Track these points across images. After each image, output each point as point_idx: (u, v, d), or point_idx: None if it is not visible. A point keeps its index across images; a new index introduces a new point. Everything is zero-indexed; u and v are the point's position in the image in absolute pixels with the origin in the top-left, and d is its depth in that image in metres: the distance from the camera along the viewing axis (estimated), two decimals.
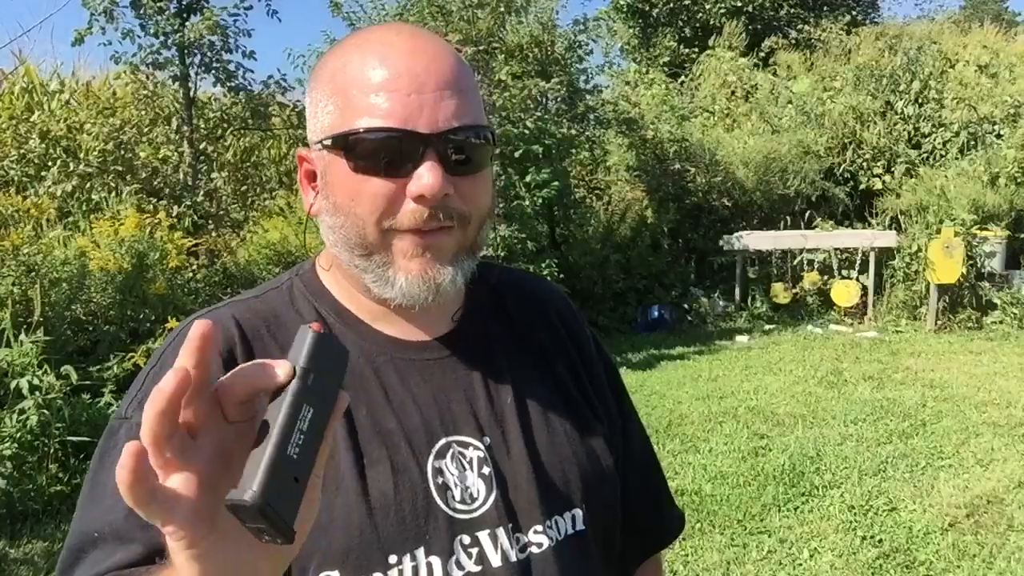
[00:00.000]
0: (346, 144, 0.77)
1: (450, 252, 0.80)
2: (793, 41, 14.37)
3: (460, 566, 0.78)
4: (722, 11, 15.65)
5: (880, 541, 3.68)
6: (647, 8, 16.23)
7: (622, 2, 16.35)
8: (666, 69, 14.21)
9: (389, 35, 0.80)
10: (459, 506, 0.80)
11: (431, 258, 0.79)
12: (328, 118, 0.79)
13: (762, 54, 13.90)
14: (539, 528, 0.83)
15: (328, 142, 0.78)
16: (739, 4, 15.61)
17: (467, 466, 0.82)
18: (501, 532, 0.81)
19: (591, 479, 0.88)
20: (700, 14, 15.97)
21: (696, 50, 15.02)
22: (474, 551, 0.79)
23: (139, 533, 0.71)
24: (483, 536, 0.80)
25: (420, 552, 0.77)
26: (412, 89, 0.76)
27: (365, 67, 0.77)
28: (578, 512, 0.86)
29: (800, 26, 15.13)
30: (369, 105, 0.76)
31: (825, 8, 16.51)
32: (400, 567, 0.76)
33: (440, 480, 0.80)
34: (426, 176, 0.75)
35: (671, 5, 16.04)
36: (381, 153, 0.76)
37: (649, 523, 1.04)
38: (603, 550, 0.90)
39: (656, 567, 1.08)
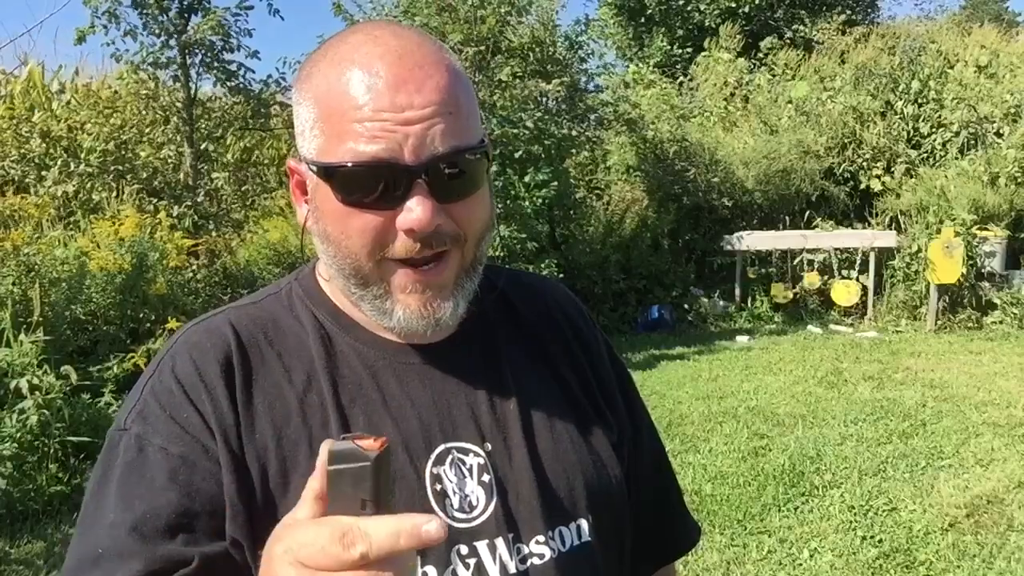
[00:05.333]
0: (332, 175, 0.74)
1: (450, 283, 0.78)
2: (789, 40, 14.33)
3: None
4: (717, 12, 15.62)
5: (880, 541, 3.67)
6: (641, 8, 16.19)
7: (617, 1, 16.33)
8: (662, 70, 14.19)
9: (374, 50, 0.74)
10: (457, 514, 0.78)
11: (432, 295, 0.78)
12: (315, 141, 0.76)
13: (760, 55, 13.87)
14: (541, 538, 0.80)
15: (315, 168, 0.76)
16: (734, 5, 15.57)
17: (466, 473, 0.79)
18: (500, 543, 0.78)
19: (597, 488, 0.85)
20: (695, 15, 15.94)
21: (690, 50, 14.98)
22: (472, 562, 0.77)
23: (140, 547, 0.70)
24: (481, 546, 0.78)
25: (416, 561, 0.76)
26: (398, 118, 0.72)
27: (349, 90, 0.73)
28: (583, 522, 0.83)
29: (796, 26, 15.10)
30: (353, 133, 0.72)
31: (824, 8, 16.48)
32: None
33: (438, 487, 0.78)
34: (415, 210, 0.72)
35: (664, 6, 16.00)
36: (368, 186, 0.73)
37: (663, 534, 1.01)
38: (611, 562, 0.87)
39: None
